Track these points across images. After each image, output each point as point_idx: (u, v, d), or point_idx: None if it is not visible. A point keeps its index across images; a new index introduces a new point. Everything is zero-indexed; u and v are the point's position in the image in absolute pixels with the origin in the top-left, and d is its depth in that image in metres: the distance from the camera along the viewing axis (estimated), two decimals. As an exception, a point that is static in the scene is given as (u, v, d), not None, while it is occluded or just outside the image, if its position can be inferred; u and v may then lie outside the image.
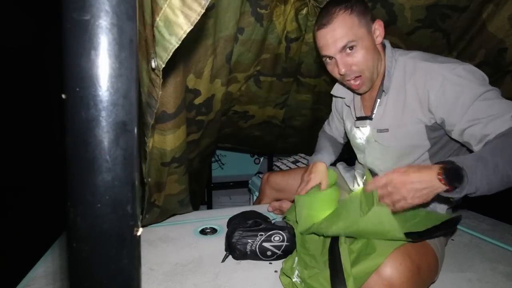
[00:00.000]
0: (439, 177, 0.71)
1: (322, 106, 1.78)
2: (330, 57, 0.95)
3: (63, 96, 0.29)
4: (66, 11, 0.28)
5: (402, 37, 1.29)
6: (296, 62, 1.49)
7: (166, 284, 0.90)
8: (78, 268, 0.32)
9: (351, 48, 0.91)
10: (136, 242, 0.33)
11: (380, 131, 0.99)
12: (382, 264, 0.74)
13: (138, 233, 0.33)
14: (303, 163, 2.15)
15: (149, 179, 1.04)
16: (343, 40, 0.90)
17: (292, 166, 2.13)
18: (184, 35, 0.48)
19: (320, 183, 1.11)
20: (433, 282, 0.88)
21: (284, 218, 1.13)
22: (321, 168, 1.15)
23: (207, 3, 0.46)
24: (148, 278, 0.93)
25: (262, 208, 1.40)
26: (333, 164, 1.33)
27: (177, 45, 0.50)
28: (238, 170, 2.84)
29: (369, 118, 1.02)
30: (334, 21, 0.90)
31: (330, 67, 0.99)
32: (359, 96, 1.09)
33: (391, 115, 0.96)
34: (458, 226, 1.27)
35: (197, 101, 1.19)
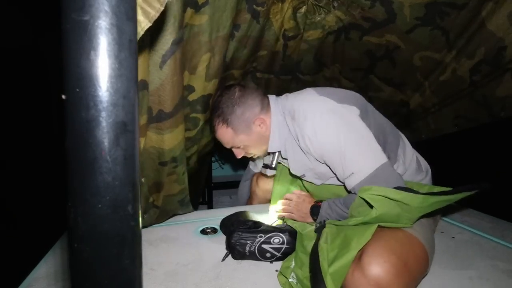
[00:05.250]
0: (309, 210, 1.08)
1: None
2: None
3: (63, 96, 0.29)
4: (66, 11, 0.28)
5: (402, 35, 1.29)
6: (295, 60, 1.49)
7: (167, 284, 0.90)
8: (79, 269, 0.32)
9: (237, 147, 1.11)
10: (137, 242, 0.33)
11: (303, 176, 1.10)
12: (366, 263, 0.72)
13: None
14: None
15: (143, 180, 1.03)
16: (228, 145, 1.12)
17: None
18: (142, 32, 0.46)
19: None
20: (425, 275, 0.87)
21: (283, 220, 1.14)
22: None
23: (166, 0, 0.45)
24: (149, 278, 0.93)
25: (255, 209, 1.39)
26: None
27: None
28: (238, 170, 2.83)
29: (269, 167, 1.21)
30: (216, 131, 1.09)
31: None
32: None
33: (299, 164, 1.06)
34: (458, 224, 1.27)
35: (191, 97, 1.17)
